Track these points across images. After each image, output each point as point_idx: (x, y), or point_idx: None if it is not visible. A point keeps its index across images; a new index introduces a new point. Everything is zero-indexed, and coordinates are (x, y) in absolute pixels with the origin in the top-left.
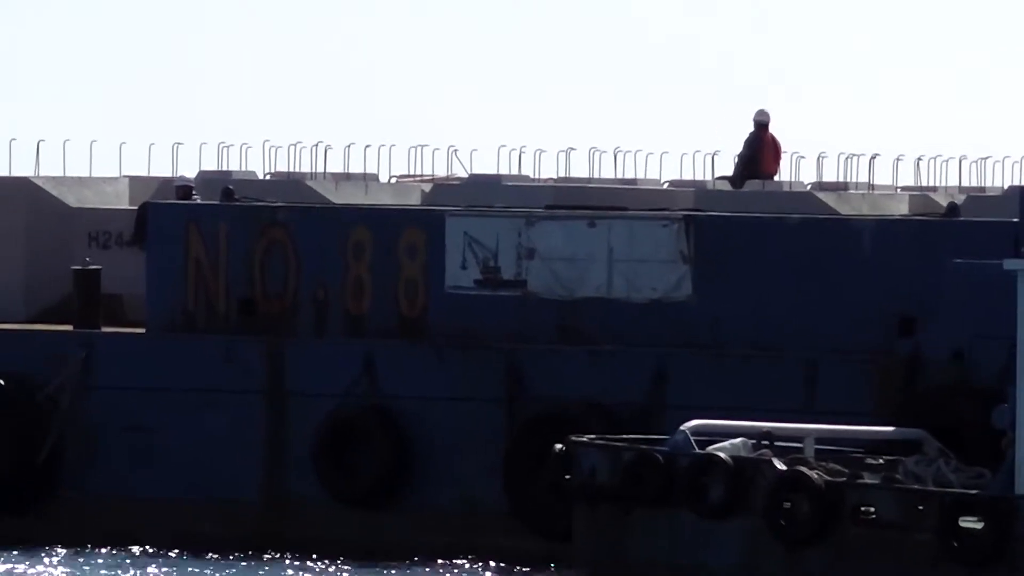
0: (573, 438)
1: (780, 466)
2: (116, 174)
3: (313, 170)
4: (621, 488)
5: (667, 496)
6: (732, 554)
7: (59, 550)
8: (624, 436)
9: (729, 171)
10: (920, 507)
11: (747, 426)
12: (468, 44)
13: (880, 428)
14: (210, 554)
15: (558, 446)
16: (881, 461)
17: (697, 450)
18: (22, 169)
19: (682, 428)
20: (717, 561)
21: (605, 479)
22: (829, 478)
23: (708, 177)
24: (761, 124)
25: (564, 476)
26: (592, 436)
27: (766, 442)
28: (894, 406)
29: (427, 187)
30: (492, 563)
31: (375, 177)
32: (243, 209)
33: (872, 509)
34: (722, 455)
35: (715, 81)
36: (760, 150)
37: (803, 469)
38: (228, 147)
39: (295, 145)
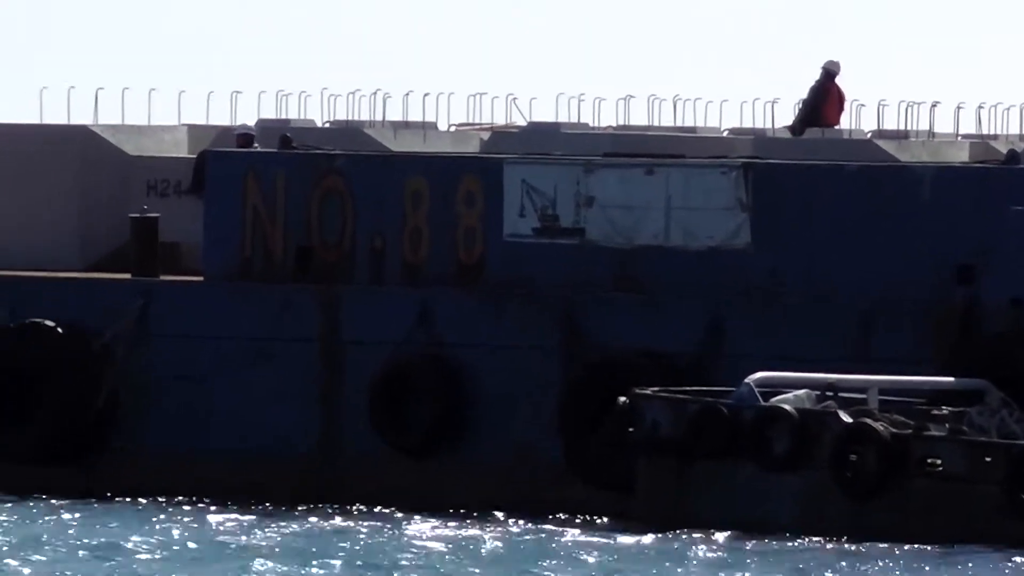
0: (636, 391)
1: (846, 418)
2: (175, 123)
3: (372, 118)
4: (685, 441)
5: (731, 449)
6: (796, 507)
7: (114, 501)
8: (687, 388)
9: (790, 120)
10: (987, 459)
11: (811, 378)
12: None
13: (943, 379)
14: (265, 505)
15: (621, 399)
16: (946, 412)
17: (762, 402)
18: (80, 117)
19: (746, 380)
20: (781, 514)
21: (668, 432)
22: (895, 430)
23: (768, 125)
24: (830, 74)
25: (627, 429)
26: (655, 389)
27: (830, 394)
28: (952, 355)
29: (486, 135)
30: (547, 513)
31: (434, 125)
32: (301, 157)
33: (938, 461)
34: (787, 407)
35: (776, 28)
36: (824, 99)
37: (869, 421)
38: (287, 95)
39: (354, 93)
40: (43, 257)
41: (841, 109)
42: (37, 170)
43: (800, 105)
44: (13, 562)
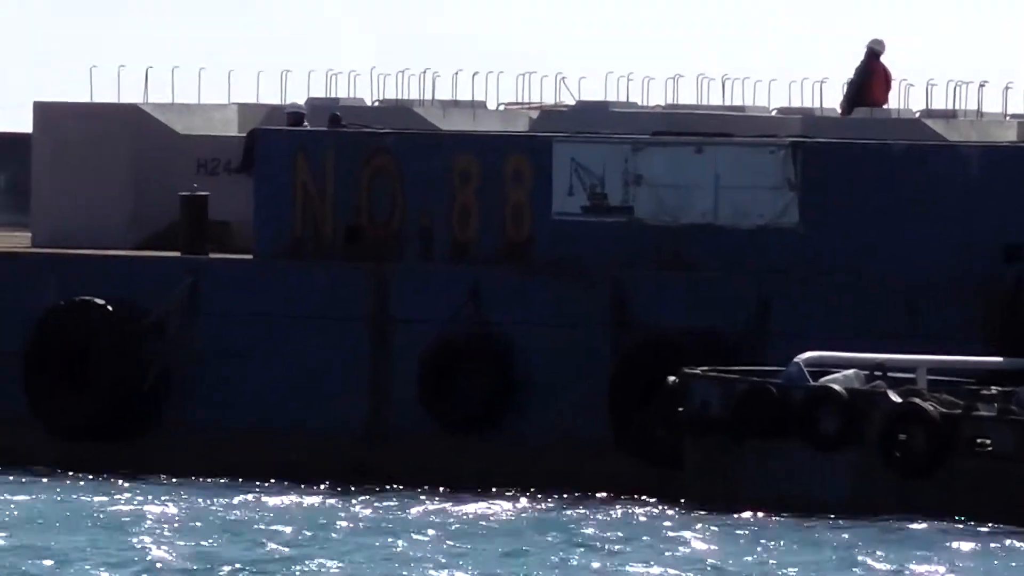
0: (685, 370)
1: (895, 398)
2: (225, 101)
3: (421, 97)
4: (733, 420)
5: (780, 428)
6: (845, 486)
7: (163, 477)
8: (736, 368)
9: (837, 101)
10: None
11: (860, 357)
12: None
13: (991, 358)
14: (313, 482)
15: (670, 378)
16: (995, 391)
17: (811, 382)
18: (130, 96)
19: (796, 360)
20: (830, 493)
21: (718, 411)
22: (944, 410)
23: (816, 105)
24: (874, 53)
25: (676, 408)
26: (704, 368)
27: (879, 374)
28: (1000, 334)
29: (534, 114)
30: (594, 491)
31: (483, 104)
32: (350, 136)
33: (987, 441)
34: (836, 387)
35: (825, 7)
36: (871, 79)
37: (918, 401)
38: (336, 75)
39: (403, 72)
40: (94, 235)
41: (888, 88)
42: (87, 148)
43: (847, 86)
44: (65, 538)
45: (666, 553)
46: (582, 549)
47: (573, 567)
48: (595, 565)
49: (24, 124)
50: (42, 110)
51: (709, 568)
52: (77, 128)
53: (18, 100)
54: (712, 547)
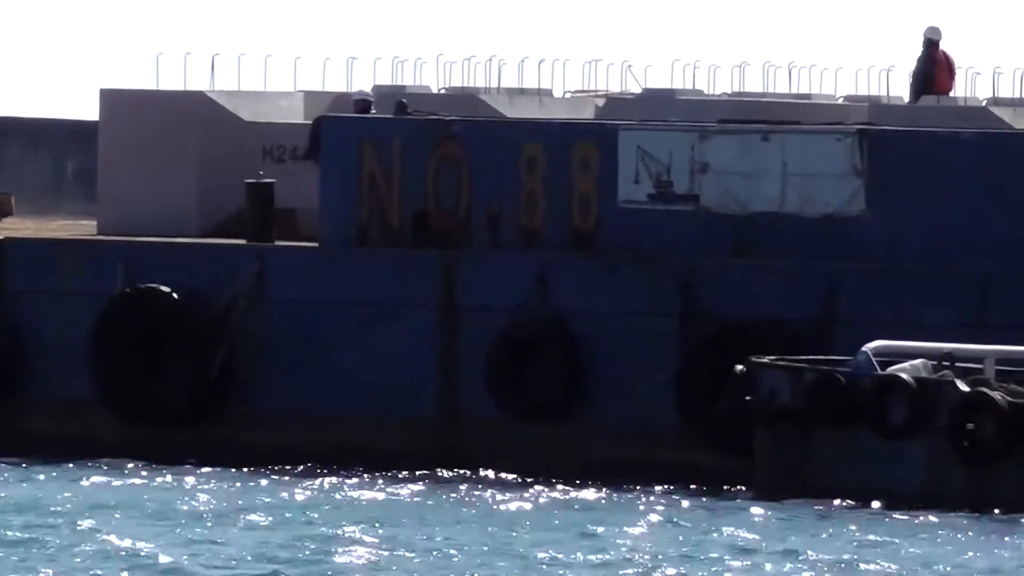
0: (754, 359)
1: (963, 387)
2: (291, 88)
3: (487, 85)
4: (802, 409)
5: (849, 417)
6: (914, 475)
7: (229, 466)
8: (805, 357)
9: (904, 88)
10: None
11: (928, 347)
12: None
13: None
14: (381, 469)
15: (739, 367)
16: None
17: (879, 371)
18: (197, 83)
19: (864, 349)
20: (898, 482)
21: (786, 400)
22: (1012, 399)
23: (883, 92)
24: (932, 42)
25: (745, 397)
26: (773, 357)
27: (947, 363)
28: None
29: (601, 102)
30: (664, 479)
31: (549, 92)
32: (417, 123)
33: None
34: (904, 376)
35: None
36: (933, 68)
37: (986, 390)
38: (402, 62)
39: (469, 60)
40: (161, 222)
41: (952, 76)
42: (154, 135)
43: (912, 77)
44: (131, 524)
45: (735, 542)
46: (651, 538)
47: (644, 555)
48: (665, 554)
49: (91, 111)
50: (109, 97)
51: (779, 557)
52: (144, 115)
53: (85, 87)
54: (781, 536)
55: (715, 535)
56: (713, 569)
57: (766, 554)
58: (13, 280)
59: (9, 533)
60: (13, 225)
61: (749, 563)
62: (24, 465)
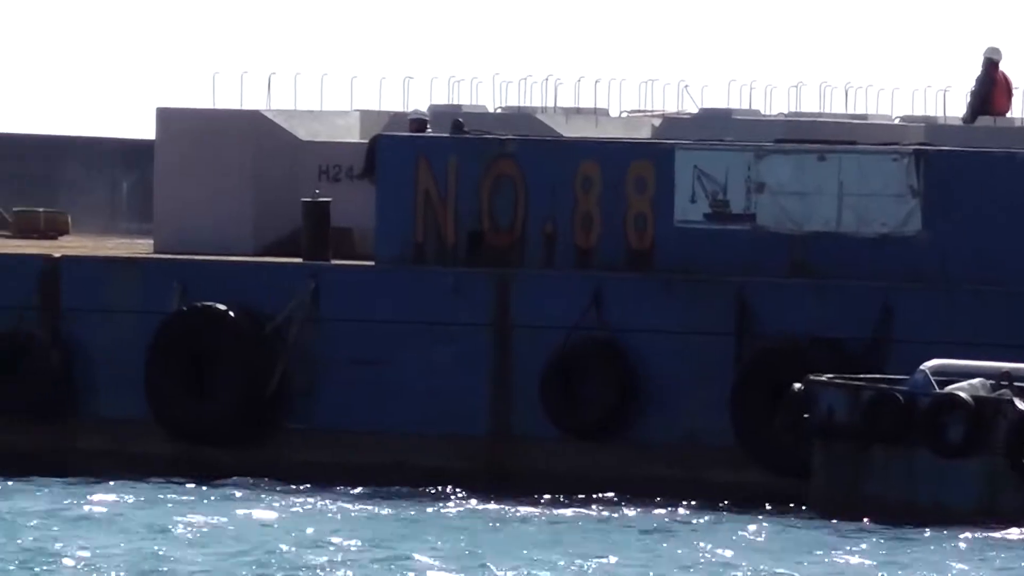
0: (811, 377)
1: (1021, 406)
2: (347, 108)
3: (543, 104)
4: (860, 427)
5: (906, 435)
6: (971, 494)
7: (284, 483)
8: (862, 375)
9: (960, 108)
10: None
11: (986, 366)
12: None
13: None
14: (435, 487)
15: (796, 385)
16: None
17: (937, 389)
18: (253, 102)
19: (922, 367)
20: (956, 500)
21: (843, 418)
22: None
23: (939, 113)
24: (991, 62)
25: (801, 415)
26: (830, 375)
27: (1004, 382)
28: None
29: (657, 121)
30: (717, 498)
31: (605, 112)
32: (472, 142)
33: None
34: (962, 394)
35: (947, 15)
36: (992, 88)
37: None
38: (458, 81)
39: (525, 79)
40: (216, 241)
41: (1010, 96)
42: (210, 154)
43: (969, 96)
44: (184, 543)
45: (792, 561)
46: (706, 556)
47: (698, 574)
48: (720, 573)
49: (147, 131)
50: (165, 116)
51: None
52: (200, 134)
53: (141, 106)
54: (839, 555)
55: (771, 554)
56: None
57: (821, 573)
58: (69, 298)
59: (59, 547)
60: (69, 243)
61: None
62: (78, 483)
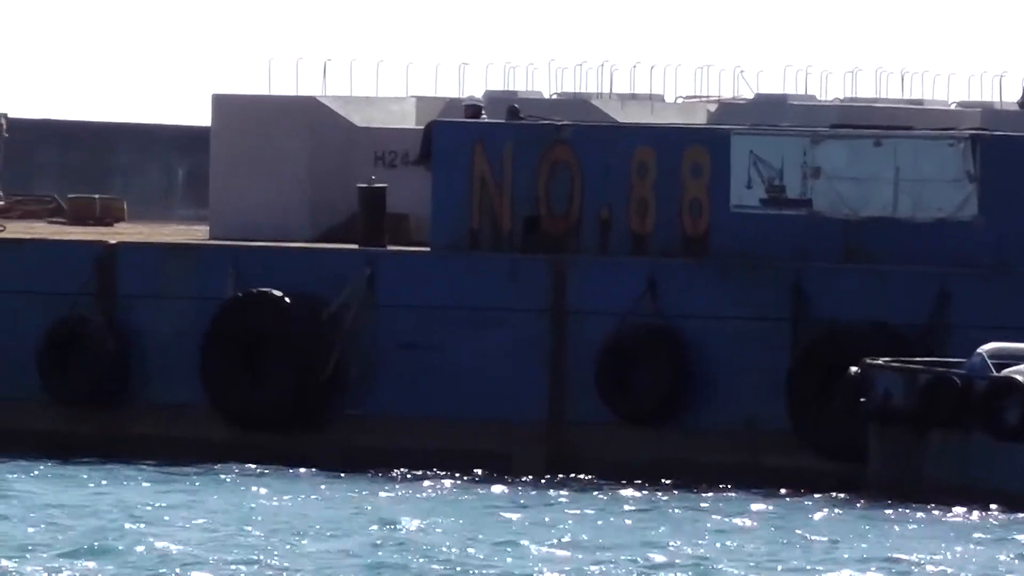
0: (868, 360)
1: None
2: (403, 94)
3: (599, 90)
4: (917, 410)
5: (963, 418)
6: None
7: (339, 469)
8: (918, 359)
9: (1016, 93)
10: None
11: None
12: None
13: None
14: (490, 472)
15: (853, 369)
16: None
17: (994, 373)
18: (309, 88)
19: (979, 351)
20: (1013, 484)
21: (900, 402)
22: None
23: (995, 98)
24: None
25: (858, 398)
26: (887, 359)
27: None
28: None
29: (713, 107)
30: (773, 483)
31: (660, 97)
32: (528, 128)
33: None
34: (1020, 378)
35: (1003, 1)
36: None
37: None
38: (514, 67)
39: (581, 65)
40: (272, 227)
41: None
42: (266, 141)
43: None
44: (245, 530)
45: (848, 545)
46: (762, 541)
47: (756, 559)
48: (779, 557)
49: (202, 117)
50: (221, 103)
51: (894, 561)
52: (256, 121)
53: (197, 93)
54: (895, 538)
55: (828, 538)
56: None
57: (878, 558)
58: (125, 284)
59: (115, 533)
60: (125, 230)
61: (862, 568)
62: (132, 469)
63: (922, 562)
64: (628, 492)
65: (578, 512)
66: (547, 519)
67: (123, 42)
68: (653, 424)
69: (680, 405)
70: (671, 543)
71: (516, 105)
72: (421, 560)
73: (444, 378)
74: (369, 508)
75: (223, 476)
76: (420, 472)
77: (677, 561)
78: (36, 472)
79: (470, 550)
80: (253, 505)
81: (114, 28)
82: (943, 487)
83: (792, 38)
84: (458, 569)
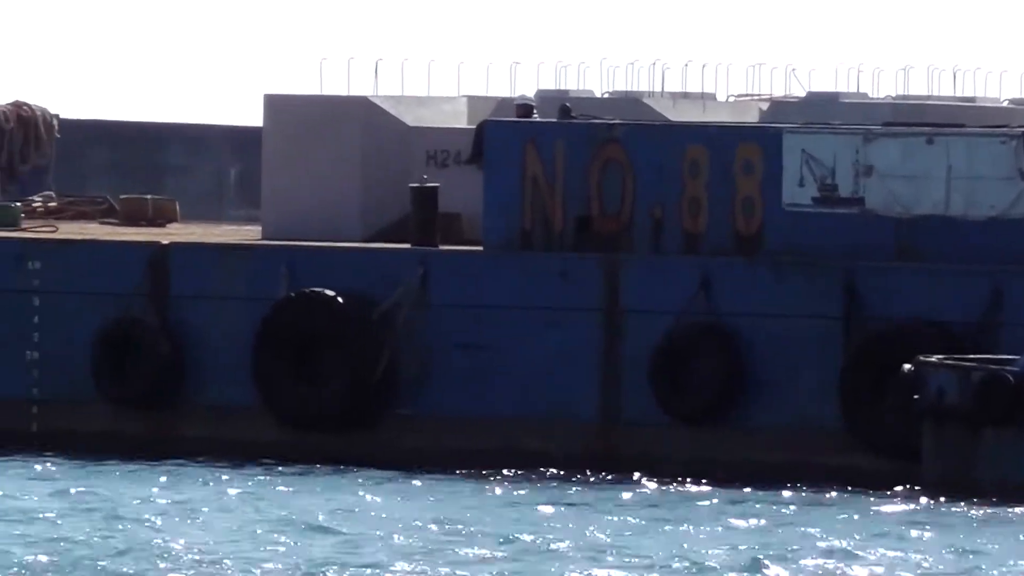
0: (921, 358)
1: None
2: (454, 93)
3: (651, 89)
4: (970, 408)
5: (1017, 416)
6: None
7: (390, 469)
8: (972, 356)
9: None
10: None
11: None
12: None
13: None
14: (544, 471)
15: (906, 366)
16: None
17: None
18: (360, 88)
19: None
20: None
21: (954, 399)
22: None
23: None
24: None
25: (912, 397)
26: (940, 356)
27: None
28: None
29: (764, 105)
30: (827, 481)
31: (712, 96)
32: (580, 127)
33: None
34: None
35: None
36: None
37: None
38: (566, 66)
39: (632, 64)
40: (324, 227)
41: None
42: (318, 141)
43: None
44: (299, 532)
45: (904, 542)
46: (816, 538)
47: (811, 559)
48: (835, 557)
49: (254, 117)
50: (273, 103)
51: (946, 558)
52: (307, 121)
53: (248, 93)
54: (949, 536)
55: (883, 537)
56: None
57: (934, 556)
58: (178, 285)
59: (167, 534)
60: (177, 231)
61: (918, 568)
62: (186, 470)
63: (985, 559)
64: (682, 491)
65: (629, 512)
66: (599, 519)
67: (175, 43)
68: (706, 423)
69: (733, 404)
70: (727, 542)
71: (568, 104)
72: (473, 557)
73: (496, 378)
74: (421, 506)
75: (275, 477)
76: (471, 472)
77: (732, 559)
78: (93, 472)
79: (519, 549)
80: (305, 505)
81: (167, 29)
82: (997, 484)
83: (844, 36)
84: (507, 569)
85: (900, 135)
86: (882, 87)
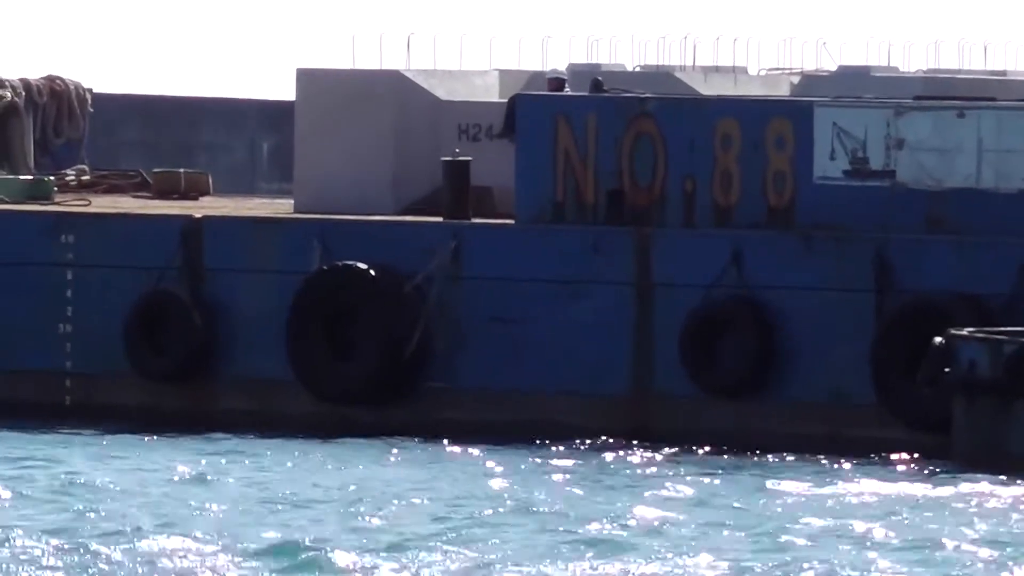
0: (952, 331)
1: None
2: (486, 67)
3: (682, 63)
4: (1002, 381)
5: None
6: None
7: (423, 442)
8: (1003, 328)
9: None
10: None
11: None
12: None
13: None
14: (574, 446)
15: (937, 339)
16: None
17: None
18: (392, 62)
19: None
20: None
21: (985, 372)
22: None
23: None
24: None
25: (943, 369)
26: (972, 329)
27: None
28: None
29: (796, 79)
30: (859, 454)
31: (744, 70)
32: (612, 101)
33: None
34: None
35: None
36: None
37: None
38: (597, 40)
39: (664, 38)
40: (356, 200)
41: None
42: (350, 115)
43: None
44: (333, 506)
45: (936, 515)
46: (851, 513)
47: (844, 533)
48: (866, 531)
49: (287, 92)
50: (305, 77)
51: (979, 532)
52: (340, 95)
53: (280, 68)
54: (983, 509)
55: (914, 509)
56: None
57: (966, 528)
58: (211, 258)
59: (200, 508)
60: (210, 204)
61: (948, 539)
62: (220, 444)
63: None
64: (714, 464)
65: (662, 485)
66: (631, 492)
67: (207, 17)
68: (738, 397)
69: (765, 377)
70: (752, 516)
71: (599, 78)
72: (507, 528)
73: (528, 351)
74: (455, 479)
75: (309, 449)
76: (504, 445)
77: (771, 532)
78: (128, 445)
79: (552, 520)
80: (342, 477)
81: (200, 4)
82: None
83: (875, 10)
84: (542, 539)
85: (931, 108)
86: (913, 61)
